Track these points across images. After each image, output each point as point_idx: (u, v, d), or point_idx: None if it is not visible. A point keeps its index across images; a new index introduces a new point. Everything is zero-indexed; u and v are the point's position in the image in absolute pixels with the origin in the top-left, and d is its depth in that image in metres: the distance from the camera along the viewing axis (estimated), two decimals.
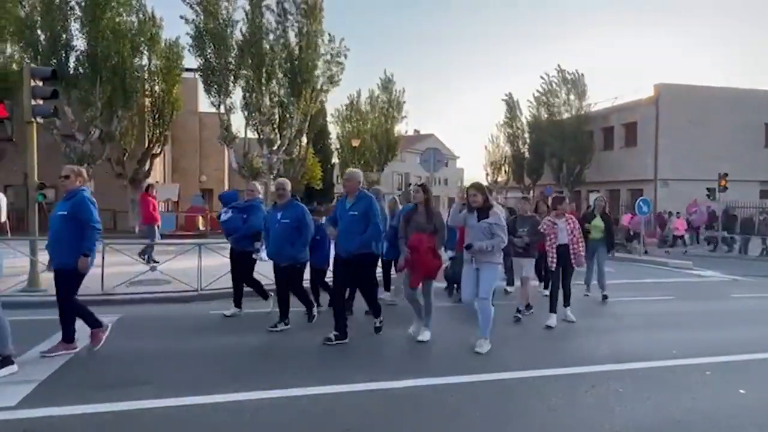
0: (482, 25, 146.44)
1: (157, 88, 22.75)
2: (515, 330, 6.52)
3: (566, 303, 6.97)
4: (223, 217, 6.80)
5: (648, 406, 4.11)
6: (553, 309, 6.73)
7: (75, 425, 3.54)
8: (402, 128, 36.50)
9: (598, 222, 8.85)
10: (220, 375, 4.54)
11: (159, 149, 23.56)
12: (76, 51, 19.84)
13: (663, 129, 26.82)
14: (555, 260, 6.70)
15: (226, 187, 30.59)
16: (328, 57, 23.91)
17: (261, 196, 7.23)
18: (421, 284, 5.70)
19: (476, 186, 5.61)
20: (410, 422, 3.73)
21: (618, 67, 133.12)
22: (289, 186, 6.33)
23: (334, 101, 41.06)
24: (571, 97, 31.13)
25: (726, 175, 19.46)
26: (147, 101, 22.83)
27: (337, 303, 5.72)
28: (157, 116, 22.99)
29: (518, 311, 7.09)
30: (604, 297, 8.64)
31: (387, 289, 8.08)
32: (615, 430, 3.62)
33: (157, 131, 23.08)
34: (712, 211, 21.02)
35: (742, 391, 4.47)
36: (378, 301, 6.11)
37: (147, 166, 22.58)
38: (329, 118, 38.51)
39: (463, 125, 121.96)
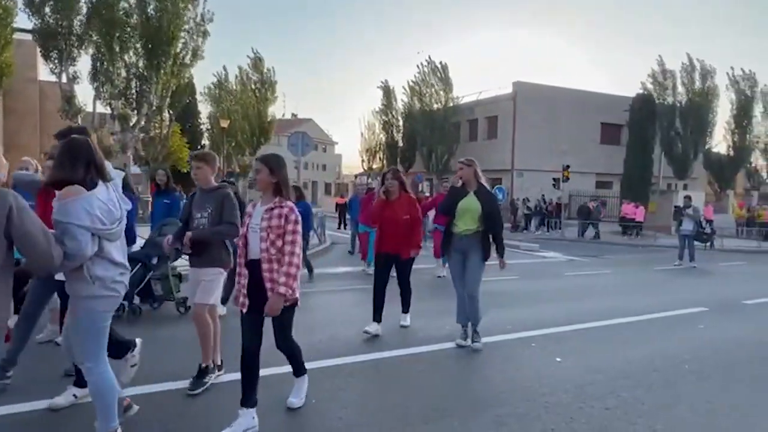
0: (362, 12, 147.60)
1: None
2: (361, 311, 5.84)
3: (297, 373, 3.71)
4: None
5: (475, 380, 4.37)
6: (247, 395, 3.28)
7: None
8: (278, 111, 35.32)
9: (470, 202, 5.09)
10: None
11: None
12: None
13: (519, 124, 29.27)
14: (244, 296, 3.33)
15: None
16: (192, 25, 22.21)
17: None
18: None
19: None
20: None
21: (500, 61, 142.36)
22: None
23: (206, 79, 38.76)
24: (440, 89, 32.70)
25: (568, 167, 21.76)
26: None
27: None
28: None
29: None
30: (476, 350, 5.09)
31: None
32: (438, 407, 3.77)
33: None
34: None
35: (558, 359, 4.95)
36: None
37: None
38: (198, 97, 36.21)
39: (342, 111, 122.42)
